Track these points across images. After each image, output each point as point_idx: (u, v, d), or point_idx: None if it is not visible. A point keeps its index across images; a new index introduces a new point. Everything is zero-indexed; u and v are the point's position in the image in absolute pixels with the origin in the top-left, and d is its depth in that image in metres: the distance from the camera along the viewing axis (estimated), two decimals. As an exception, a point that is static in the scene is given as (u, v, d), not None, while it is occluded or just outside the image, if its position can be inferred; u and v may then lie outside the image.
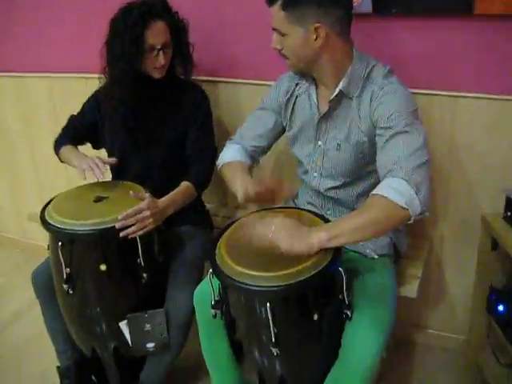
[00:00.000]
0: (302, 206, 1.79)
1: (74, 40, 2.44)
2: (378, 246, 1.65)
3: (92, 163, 1.75)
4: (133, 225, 1.61)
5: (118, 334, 1.76)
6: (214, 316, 1.47)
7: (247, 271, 1.30)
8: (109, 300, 1.72)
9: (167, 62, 1.83)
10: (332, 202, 1.70)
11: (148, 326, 1.74)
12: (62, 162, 1.96)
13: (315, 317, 1.36)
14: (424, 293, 2.09)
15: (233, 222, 1.54)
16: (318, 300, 1.36)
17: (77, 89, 2.44)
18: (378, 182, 1.42)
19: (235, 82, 2.19)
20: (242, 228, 1.48)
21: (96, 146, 2.08)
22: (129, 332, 1.74)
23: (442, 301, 2.16)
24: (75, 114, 2.05)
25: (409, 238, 1.84)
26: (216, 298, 1.46)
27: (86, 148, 2.03)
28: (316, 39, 1.43)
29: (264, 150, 1.80)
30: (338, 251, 1.36)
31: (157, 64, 1.80)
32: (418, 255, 1.93)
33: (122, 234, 1.60)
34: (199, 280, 1.82)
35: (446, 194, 1.96)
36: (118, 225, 1.59)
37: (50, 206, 1.73)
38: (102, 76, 1.86)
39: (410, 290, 1.77)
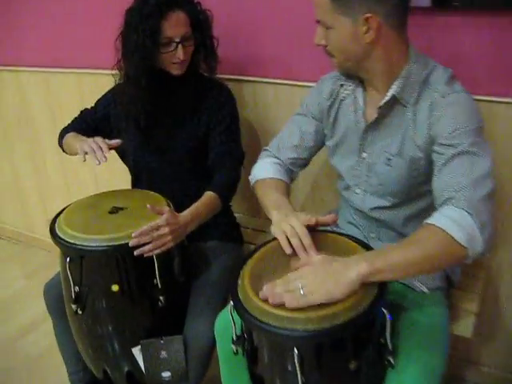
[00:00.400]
0: (341, 226, 1.58)
1: (102, 35, 2.29)
2: (429, 278, 1.42)
3: (95, 145, 1.57)
4: (149, 242, 1.43)
5: (132, 357, 1.59)
6: (235, 352, 1.28)
7: (273, 310, 1.10)
8: (121, 323, 1.56)
9: (187, 57, 1.64)
10: (376, 223, 1.48)
11: (164, 354, 1.57)
12: (64, 152, 1.82)
13: (351, 365, 1.14)
14: (478, 327, 1.84)
15: (261, 246, 1.34)
16: (355, 346, 1.15)
17: (106, 85, 2.28)
18: (430, 206, 1.27)
19: (263, 82, 1.97)
20: (269, 259, 1.29)
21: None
22: (142, 359, 1.57)
23: (498, 337, 1.91)
24: (88, 107, 1.90)
25: (462, 265, 1.60)
26: (237, 333, 1.27)
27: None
28: (366, 32, 1.22)
29: (304, 163, 1.58)
30: (382, 288, 1.14)
31: (175, 59, 1.61)
32: (473, 286, 1.68)
33: (136, 253, 1.42)
34: (224, 304, 1.64)
35: (506, 216, 1.71)
36: (131, 242, 1.42)
37: (61, 216, 1.57)
38: (116, 72, 1.69)
39: (465, 327, 1.53)
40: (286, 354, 1.13)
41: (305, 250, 1.21)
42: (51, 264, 2.66)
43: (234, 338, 1.27)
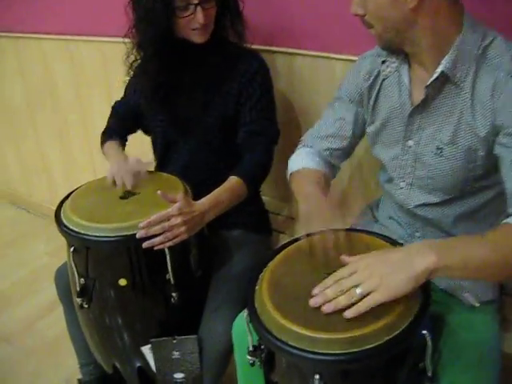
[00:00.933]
0: (382, 221, 1.40)
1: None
2: (481, 289, 1.21)
3: (119, 177, 1.46)
4: (160, 234, 1.28)
5: (143, 354, 1.46)
6: (252, 364, 1.11)
7: (293, 327, 0.93)
8: (132, 319, 1.43)
9: (209, 21, 1.43)
10: (422, 221, 1.27)
11: (177, 354, 1.43)
12: None
13: None
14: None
15: (285, 245, 1.16)
16: (388, 373, 0.97)
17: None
18: (485, 204, 1.16)
19: (297, 54, 1.74)
20: (293, 261, 1.11)
21: (148, 132, 1.74)
22: (153, 358, 1.43)
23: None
24: (119, 99, 1.74)
25: None
26: (254, 343, 1.10)
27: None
28: None
29: (344, 154, 1.38)
30: (424, 307, 0.95)
31: (195, 24, 1.40)
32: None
33: (145, 246, 1.27)
34: (245, 303, 1.48)
35: None
36: (138, 234, 1.26)
37: (68, 200, 1.43)
38: (128, 40, 1.51)
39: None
40: (307, 377, 0.96)
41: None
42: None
43: (251, 349, 1.11)
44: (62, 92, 2.60)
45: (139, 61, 1.53)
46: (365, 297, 0.90)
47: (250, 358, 1.11)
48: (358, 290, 0.90)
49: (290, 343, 0.92)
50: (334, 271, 0.98)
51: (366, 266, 0.93)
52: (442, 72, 1.07)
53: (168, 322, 1.43)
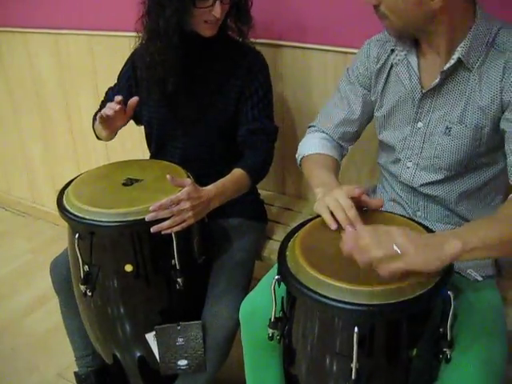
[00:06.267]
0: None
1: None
2: (482, 265, 1.27)
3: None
4: (167, 218, 1.28)
5: (145, 342, 1.46)
6: (271, 338, 1.14)
7: (331, 281, 0.97)
8: (135, 307, 1.42)
9: (223, 16, 1.45)
10: (425, 200, 1.33)
11: (181, 341, 1.43)
12: (100, 139, 1.64)
13: (406, 353, 1.03)
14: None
15: (309, 220, 1.21)
16: (413, 332, 1.03)
17: (118, 48, 2.12)
18: (488, 182, 1.24)
19: (305, 48, 1.78)
20: (317, 235, 1.15)
21: (138, 122, 1.73)
22: (157, 345, 1.43)
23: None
24: (112, 85, 1.72)
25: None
26: (277, 315, 1.13)
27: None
28: None
29: (353, 137, 1.44)
30: (449, 266, 1.02)
31: (210, 16, 1.41)
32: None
33: (153, 230, 1.27)
34: (247, 287, 1.50)
35: None
36: (148, 217, 1.27)
37: (70, 187, 1.42)
38: (136, 34, 1.50)
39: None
40: (342, 333, 1.01)
41: (351, 223, 1.09)
42: (59, 238, 2.57)
43: (272, 320, 1.13)
44: (47, 88, 2.57)
45: (145, 51, 1.50)
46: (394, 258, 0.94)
47: (270, 330, 1.13)
48: (395, 247, 0.94)
49: (330, 296, 0.95)
50: None
51: (404, 235, 0.96)
52: (458, 58, 1.13)
53: (171, 308, 1.43)
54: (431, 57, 1.21)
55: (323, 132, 1.43)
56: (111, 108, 1.40)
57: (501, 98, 1.11)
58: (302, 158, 1.41)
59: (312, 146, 1.39)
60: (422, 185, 1.29)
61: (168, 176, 1.29)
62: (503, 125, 1.12)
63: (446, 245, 0.95)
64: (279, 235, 1.74)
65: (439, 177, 1.26)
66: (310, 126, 1.48)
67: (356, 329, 0.95)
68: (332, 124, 1.41)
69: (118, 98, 1.41)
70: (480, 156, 1.21)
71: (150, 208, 1.26)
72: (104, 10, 2.18)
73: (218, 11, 1.39)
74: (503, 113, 1.12)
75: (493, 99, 1.13)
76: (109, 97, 1.70)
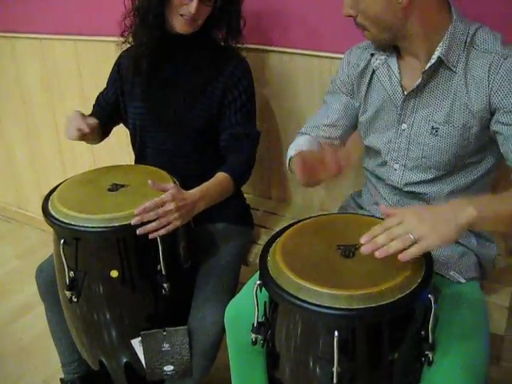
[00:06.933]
0: (367, 208, 1.46)
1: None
2: (465, 267, 1.29)
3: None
4: (153, 221, 1.28)
5: (131, 348, 1.45)
6: (254, 343, 1.14)
7: (311, 286, 0.98)
8: (121, 313, 1.42)
9: (199, 17, 1.45)
10: (411, 199, 1.35)
11: (167, 346, 1.43)
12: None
13: (387, 357, 1.04)
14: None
15: (290, 225, 1.23)
16: (394, 335, 1.04)
17: (104, 53, 2.13)
18: (476, 181, 1.26)
19: (291, 53, 1.79)
20: (301, 237, 1.17)
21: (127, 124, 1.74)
22: (143, 351, 1.43)
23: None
24: (102, 90, 1.74)
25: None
26: (260, 320, 1.13)
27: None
28: None
29: (340, 142, 1.45)
30: (429, 269, 1.04)
31: (184, 10, 1.42)
32: (505, 279, 1.54)
33: (139, 232, 1.27)
34: (233, 292, 1.50)
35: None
36: (133, 221, 1.26)
37: (55, 192, 1.42)
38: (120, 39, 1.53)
39: (497, 324, 1.38)
40: (323, 338, 1.02)
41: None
42: (45, 244, 2.54)
43: (255, 325, 1.13)
44: (32, 93, 2.56)
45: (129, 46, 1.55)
46: (415, 243, 0.96)
47: (253, 335, 1.13)
48: (412, 236, 0.95)
49: (310, 300, 0.96)
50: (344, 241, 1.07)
51: (414, 215, 0.99)
52: (439, 58, 1.16)
53: (157, 314, 1.43)
54: (411, 61, 1.24)
55: (310, 135, 1.43)
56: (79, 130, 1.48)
57: (489, 100, 1.14)
58: (289, 160, 1.41)
59: (298, 146, 1.39)
60: (411, 184, 1.31)
61: (149, 181, 1.29)
62: (496, 127, 1.14)
63: (461, 212, 0.98)
64: (264, 240, 1.74)
65: (429, 176, 1.28)
66: (297, 133, 1.49)
67: (336, 333, 0.96)
68: (318, 130, 1.42)
69: (91, 121, 1.54)
70: (468, 155, 1.23)
71: (135, 211, 1.26)
72: (89, 14, 2.18)
73: (193, 7, 1.40)
74: (492, 115, 1.15)
75: (481, 100, 1.15)
76: (99, 101, 1.73)
